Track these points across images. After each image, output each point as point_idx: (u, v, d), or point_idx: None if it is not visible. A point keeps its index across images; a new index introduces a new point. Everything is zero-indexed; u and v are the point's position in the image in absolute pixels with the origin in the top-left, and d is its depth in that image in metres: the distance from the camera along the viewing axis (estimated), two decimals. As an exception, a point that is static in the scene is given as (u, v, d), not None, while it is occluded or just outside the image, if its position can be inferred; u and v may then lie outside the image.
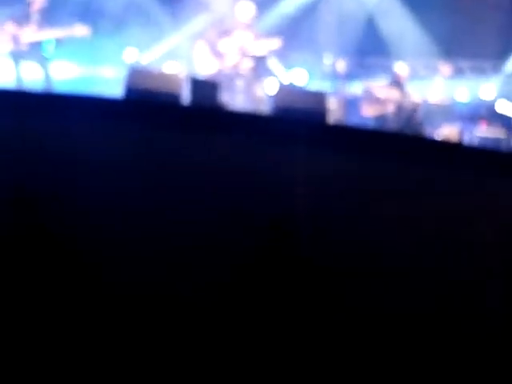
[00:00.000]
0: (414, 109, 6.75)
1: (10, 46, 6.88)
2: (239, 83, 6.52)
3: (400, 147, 4.65)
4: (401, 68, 7.14)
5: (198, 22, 8.33)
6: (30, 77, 7.00)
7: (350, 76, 7.85)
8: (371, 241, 3.95)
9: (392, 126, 6.44)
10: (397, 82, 7.02)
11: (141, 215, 3.91)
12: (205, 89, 5.32)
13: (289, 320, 3.12)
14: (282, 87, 5.43)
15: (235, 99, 6.31)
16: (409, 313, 3.38)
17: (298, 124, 4.82)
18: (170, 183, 4.26)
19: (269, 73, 7.16)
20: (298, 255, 3.35)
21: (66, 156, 4.57)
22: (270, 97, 5.82)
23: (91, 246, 3.66)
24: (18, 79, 6.86)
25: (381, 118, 6.77)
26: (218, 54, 6.83)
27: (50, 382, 2.95)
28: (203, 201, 4.13)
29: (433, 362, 3.25)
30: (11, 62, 6.90)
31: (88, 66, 7.97)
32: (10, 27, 6.86)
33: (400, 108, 6.79)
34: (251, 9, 6.94)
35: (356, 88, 7.61)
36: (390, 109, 6.83)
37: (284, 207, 3.73)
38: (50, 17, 7.09)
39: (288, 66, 7.81)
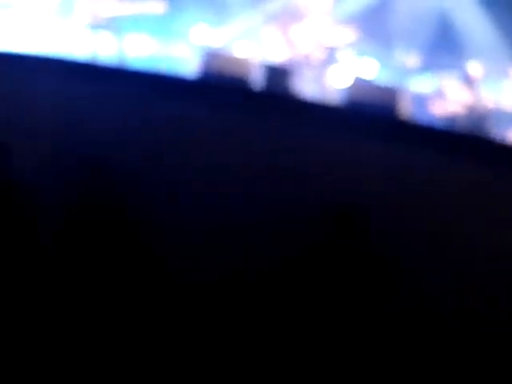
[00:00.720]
0: (485, 112, 6.66)
1: (89, 19, 7.03)
2: (310, 72, 6.51)
3: (472, 148, 4.63)
4: (474, 68, 7.03)
5: (272, 5, 8.33)
6: (106, 50, 7.14)
7: (419, 71, 7.77)
8: (437, 236, 3.97)
9: (461, 127, 6.36)
10: (469, 82, 6.92)
11: (209, 201, 4.00)
12: (278, 75, 5.37)
13: (350, 310, 3.17)
14: (356, 80, 5.40)
15: (305, 88, 6.31)
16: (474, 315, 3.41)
17: (371, 118, 4.85)
18: (240, 169, 4.33)
19: (340, 63, 7.11)
20: (364, 246, 3.38)
21: (141, 135, 4.68)
22: (343, 89, 5.82)
23: (157, 232, 3.77)
24: (95, 52, 7.00)
25: (450, 118, 6.70)
26: (290, 41, 6.81)
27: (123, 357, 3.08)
28: (271, 189, 4.20)
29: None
30: (89, 35, 7.03)
31: (163, 43, 8.06)
32: (89, 1, 7.01)
33: (471, 110, 6.71)
34: None
35: (425, 84, 7.53)
36: (461, 109, 6.75)
37: (353, 198, 3.77)
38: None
39: (359, 54, 7.75)
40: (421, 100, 6.91)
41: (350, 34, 6.76)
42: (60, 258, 3.49)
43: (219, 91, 5.01)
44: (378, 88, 5.52)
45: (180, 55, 7.59)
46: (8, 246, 3.32)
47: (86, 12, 7.03)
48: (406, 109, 5.28)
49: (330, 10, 6.93)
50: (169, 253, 3.68)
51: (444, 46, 8.32)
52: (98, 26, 7.06)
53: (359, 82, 5.54)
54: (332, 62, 6.86)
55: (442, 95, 6.88)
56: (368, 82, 6.04)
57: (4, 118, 4.43)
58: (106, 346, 3.14)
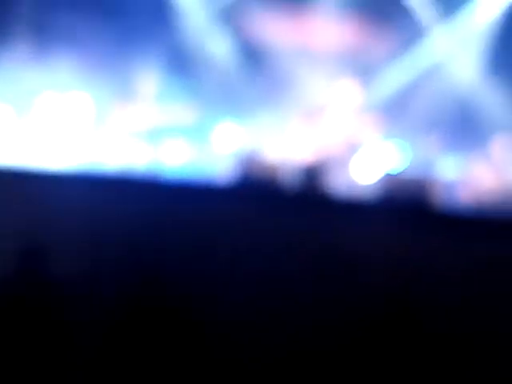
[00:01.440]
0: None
1: (124, 129, 7.33)
2: (339, 167, 6.64)
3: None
4: (499, 148, 7.11)
5: (296, 100, 8.53)
6: (142, 160, 7.39)
7: (446, 155, 7.89)
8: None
9: (492, 211, 6.42)
10: (496, 162, 6.98)
11: (260, 303, 4.12)
12: (309, 176, 5.56)
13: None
14: (385, 175, 5.56)
15: (335, 185, 6.44)
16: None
17: (403, 212, 4.98)
18: (285, 269, 4.45)
19: (368, 155, 7.26)
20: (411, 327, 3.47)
21: (183, 240, 4.84)
22: (372, 184, 5.94)
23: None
24: (131, 162, 7.25)
25: (481, 203, 6.74)
26: (316, 136, 6.95)
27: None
28: (319, 288, 4.31)
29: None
30: (125, 144, 7.31)
31: (197, 148, 8.34)
32: (123, 110, 7.34)
33: (501, 193, 6.76)
34: (354, 89, 6.99)
35: (453, 168, 7.63)
36: (490, 194, 6.79)
37: (394, 287, 3.88)
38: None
39: (385, 143, 7.89)
40: (450, 186, 7.00)
41: (374, 124, 6.85)
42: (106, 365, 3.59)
43: (255, 195, 5.19)
44: (407, 181, 5.67)
45: (214, 160, 7.83)
46: (50, 351, 3.42)
47: (121, 121, 7.34)
48: (437, 198, 5.40)
49: (355, 102, 7.08)
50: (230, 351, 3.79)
51: (467, 127, 8.47)
52: (133, 134, 7.34)
53: (388, 177, 5.68)
54: (359, 155, 6.98)
55: (468, 180, 6.97)
56: (396, 175, 6.19)
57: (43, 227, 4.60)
58: None
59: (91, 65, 7.83)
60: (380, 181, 5.41)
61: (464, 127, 8.39)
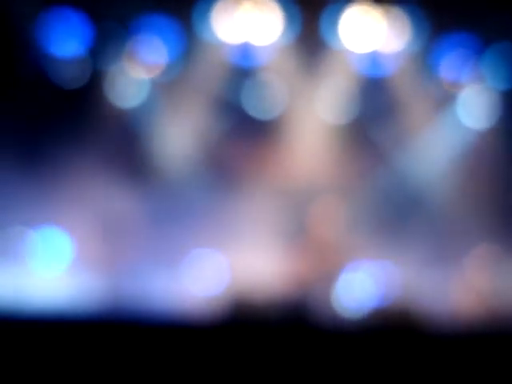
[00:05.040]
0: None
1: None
2: (324, 295, 6.57)
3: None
4: (482, 253, 7.12)
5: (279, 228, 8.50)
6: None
7: (430, 266, 7.89)
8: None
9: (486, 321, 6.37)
10: (482, 269, 6.99)
11: None
12: (295, 308, 5.52)
13: None
14: (370, 305, 5.49)
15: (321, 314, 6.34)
16: None
17: (391, 338, 4.89)
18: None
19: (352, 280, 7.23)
20: None
21: None
22: (359, 311, 5.85)
23: None
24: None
25: (472, 311, 6.69)
26: (300, 267, 6.89)
27: None
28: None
29: None
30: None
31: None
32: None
33: (492, 297, 6.69)
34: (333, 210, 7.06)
35: (439, 279, 7.58)
36: (482, 300, 6.73)
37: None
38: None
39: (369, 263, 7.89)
40: (438, 296, 6.97)
41: (355, 245, 6.80)
42: None
43: (242, 331, 5.11)
44: (393, 308, 5.63)
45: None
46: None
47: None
48: (424, 317, 5.33)
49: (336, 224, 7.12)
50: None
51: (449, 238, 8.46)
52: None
53: (373, 306, 5.63)
54: (343, 281, 6.97)
55: (459, 289, 6.93)
56: (381, 304, 6.19)
57: None
58: None
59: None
60: (366, 311, 5.32)
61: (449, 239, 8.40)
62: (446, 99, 8.26)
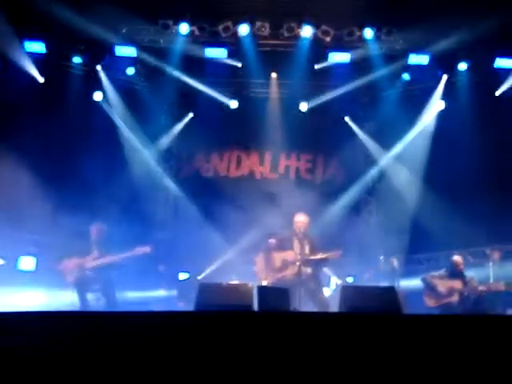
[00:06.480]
0: (478, 296, 6.79)
1: (75, 276, 7.18)
2: (302, 288, 6.60)
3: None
4: (457, 259, 7.24)
5: (250, 237, 8.63)
6: (94, 302, 7.21)
7: (406, 271, 8.00)
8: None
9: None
10: (456, 272, 7.10)
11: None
12: (273, 296, 5.46)
13: None
14: (345, 287, 5.50)
15: (300, 303, 6.36)
16: None
17: (368, 319, 4.86)
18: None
19: (327, 277, 7.27)
20: None
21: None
22: (335, 297, 5.86)
23: None
24: (84, 305, 7.06)
25: (445, 307, 6.79)
26: (277, 266, 6.92)
27: None
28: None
29: None
30: (76, 291, 7.14)
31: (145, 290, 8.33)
32: (75, 260, 7.22)
33: (463, 296, 6.85)
34: (306, 221, 7.01)
35: (413, 282, 7.69)
36: (454, 298, 6.88)
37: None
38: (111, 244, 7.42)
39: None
40: (412, 296, 7.05)
41: (334, 255, 6.76)
42: None
43: (220, 319, 5.03)
44: (370, 289, 5.65)
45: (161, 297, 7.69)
46: None
47: (73, 270, 7.24)
48: (403, 305, 5.34)
49: (309, 232, 7.08)
50: None
51: (420, 245, 8.60)
52: (84, 280, 7.20)
53: (349, 287, 5.63)
54: (320, 277, 6.99)
55: (432, 289, 7.04)
56: (357, 286, 6.18)
57: None
58: None
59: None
60: (342, 292, 5.29)
61: (420, 247, 8.53)
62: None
